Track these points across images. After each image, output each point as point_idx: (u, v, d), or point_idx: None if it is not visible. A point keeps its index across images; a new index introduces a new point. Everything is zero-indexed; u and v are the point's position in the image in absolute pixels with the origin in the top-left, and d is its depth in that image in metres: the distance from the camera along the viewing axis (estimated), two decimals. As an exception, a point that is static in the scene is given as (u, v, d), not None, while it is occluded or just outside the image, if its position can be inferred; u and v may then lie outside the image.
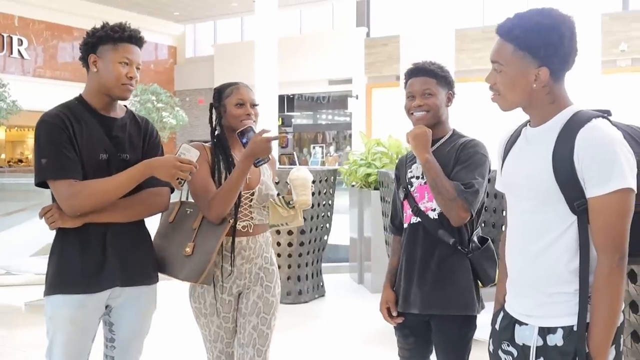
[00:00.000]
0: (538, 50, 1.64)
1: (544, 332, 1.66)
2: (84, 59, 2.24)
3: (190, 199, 2.45)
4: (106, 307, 2.27)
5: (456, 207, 2.20)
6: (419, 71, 2.38)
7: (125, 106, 2.36)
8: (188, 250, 2.32)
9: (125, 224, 2.23)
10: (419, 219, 2.34)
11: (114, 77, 2.18)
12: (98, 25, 2.23)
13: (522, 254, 1.73)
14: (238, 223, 2.41)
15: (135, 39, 2.23)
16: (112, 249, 2.20)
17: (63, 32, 24.24)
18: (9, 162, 32.78)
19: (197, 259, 2.30)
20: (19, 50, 23.18)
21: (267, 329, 2.46)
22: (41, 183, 2.15)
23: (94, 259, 2.18)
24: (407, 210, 2.40)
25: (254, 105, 2.50)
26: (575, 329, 1.61)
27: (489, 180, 2.36)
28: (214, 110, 2.55)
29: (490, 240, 2.40)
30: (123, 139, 2.26)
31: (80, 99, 2.25)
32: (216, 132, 2.54)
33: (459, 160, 2.29)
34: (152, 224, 2.43)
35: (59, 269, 2.18)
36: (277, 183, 5.15)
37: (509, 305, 1.80)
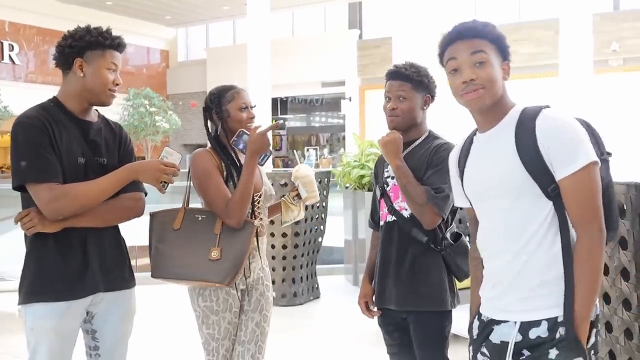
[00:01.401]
0: (503, 43, 1.73)
1: (525, 327, 1.66)
2: (67, 62, 2.17)
3: (192, 205, 2.45)
4: (87, 314, 2.23)
5: (427, 211, 2.28)
6: (395, 75, 2.42)
7: (97, 110, 2.32)
8: (215, 254, 2.30)
9: (102, 229, 2.21)
10: (394, 218, 2.42)
11: (101, 83, 2.17)
12: (80, 28, 2.18)
13: (502, 255, 1.72)
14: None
15: (121, 46, 2.23)
16: (93, 253, 2.18)
17: (54, 37, 24.07)
18: (1, 168, 32.63)
19: (227, 262, 2.30)
20: (10, 56, 23.10)
21: (267, 326, 2.55)
22: (19, 186, 2.08)
23: (75, 265, 2.14)
24: (384, 209, 2.47)
25: (252, 107, 2.54)
26: (559, 320, 1.62)
27: None
28: (214, 115, 2.51)
29: (463, 236, 2.45)
30: (100, 143, 2.24)
31: (55, 101, 2.20)
32: (220, 136, 2.51)
33: (431, 164, 2.34)
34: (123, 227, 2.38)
35: (38, 276, 2.11)
36: (284, 185, 5.16)
37: (485, 308, 1.80)
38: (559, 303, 1.64)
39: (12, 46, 23.14)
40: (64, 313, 2.12)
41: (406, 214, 2.38)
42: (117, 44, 2.21)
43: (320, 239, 5.95)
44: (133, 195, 2.25)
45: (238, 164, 2.47)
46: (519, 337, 1.67)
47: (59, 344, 2.13)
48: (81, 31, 2.18)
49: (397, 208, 2.41)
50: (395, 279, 2.39)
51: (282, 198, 2.69)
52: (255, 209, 2.49)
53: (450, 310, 2.40)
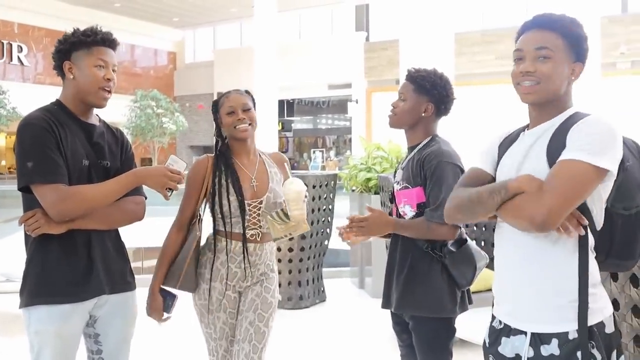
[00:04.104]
0: (580, 44, 1.67)
1: (536, 340, 1.62)
2: (59, 67, 2.19)
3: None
4: (90, 317, 2.22)
5: (434, 231, 2.29)
6: (406, 75, 2.48)
7: (98, 115, 2.32)
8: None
9: (105, 231, 2.22)
10: None
11: (90, 82, 2.14)
12: (67, 32, 2.20)
13: (517, 258, 1.68)
14: (247, 231, 2.48)
15: (108, 41, 2.20)
16: (97, 255, 2.18)
17: (63, 39, 24.30)
18: (9, 168, 32.79)
19: (175, 266, 2.50)
20: (18, 57, 23.25)
21: (264, 326, 2.48)
22: (24, 187, 2.07)
23: (80, 266, 2.14)
24: (395, 214, 2.50)
25: (246, 109, 2.49)
26: (570, 337, 1.58)
27: None
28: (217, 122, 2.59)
29: (468, 242, 2.40)
30: (103, 146, 2.24)
31: (59, 104, 2.20)
32: (219, 143, 2.58)
33: (427, 176, 2.34)
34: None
35: (42, 278, 2.10)
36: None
37: (498, 311, 1.76)
38: (570, 318, 1.59)
39: (21, 47, 23.28)
40: (68, 316, 2.11)
41: (407, 218, 2.40)
42: (102, 39, 2.17)
43: (326, 242, 5.94)
44: (135, 199, 2.26)
45: (234, 170, 2.49)
46: (531, 352, 1.62)
47: (63, 347, 2.12)
48: (67, 34, 2.18)
49: (401, 213, 2.43)
50: (396, 281, 2.41)
51: (268, 215, 2.47)
52: (250, 216, 2.48)
53: (451, 318, 2.38)
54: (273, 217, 2.41)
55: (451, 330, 2.40)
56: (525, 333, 1.65)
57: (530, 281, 1.64)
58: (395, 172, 2.55)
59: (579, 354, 1.56)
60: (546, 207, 1.49)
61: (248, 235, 2.49)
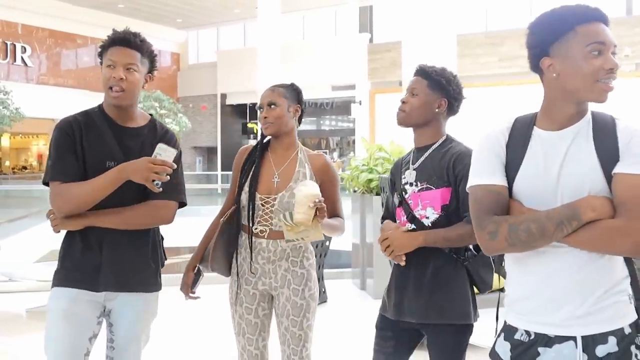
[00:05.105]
0: None
1: (589, 344, 1.56)
2: None
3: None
4: (104, 308, 2.33)
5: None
6: (417, 71, 2.37)
7: (151, 115, 2.40)
8: None
9: (125, 232, 2.24)
10: (414, 226, 2.28)
11: (103, 83, 2.24)
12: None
13: (560, 265, 1.59)
14: (255, 227, 2.50)
15: (119, 40, 2.23)
16: (107, 254, 2.25)
17: (66, 40, 24.35)
18: (13, 169, 32.87)
19: (207, 249, 2.60)
20: (22, 58, 23.28)
21: (298, 330, 2.51)
22: (46, 183, 2.25)
23: (91, 261, 2.24)
24: (402, 217, 2.33)
25: (271, 105, 2.54)
26: (626, 332, 1.55)
27: None
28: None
29: None
30: (133, 148, 2.25)
31: (99, 107, 2.32)
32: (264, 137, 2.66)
33: (459, 175, 2.20)
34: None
35: (61, 265, 2.28)
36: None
37: (527, 322, 1.64)
38: (625, 313, 1.56)
39: (25, 48, 23.32)
40: (74, 298, 2.22)
41: (427, 222, 2.24)
42: (112, 40, 2.24)
43: (327, 243, 5.93)
44: (162, 204, 2.24)
45: (257, 167, 2.54)
46: (585, 358, 1.55)
47: (69, 329, 2.21)
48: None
49: (418, 216, 2.26)
50: (416, 290, 2.26)
51: (283, 212, 2.41)
52: (262, 211, 2.49)
53: (472, 324, 2.29)
54: (282, 217, 2.35)
55: (469, 336, 2.31)
56: (574, 338, 1.57)
57: (585, 287, 1.57)
58: (401, 173, 2.38)
59: (632, 347, 1.55)
60: (637, 237, 1.47)
61: (257, 231, 2.49)
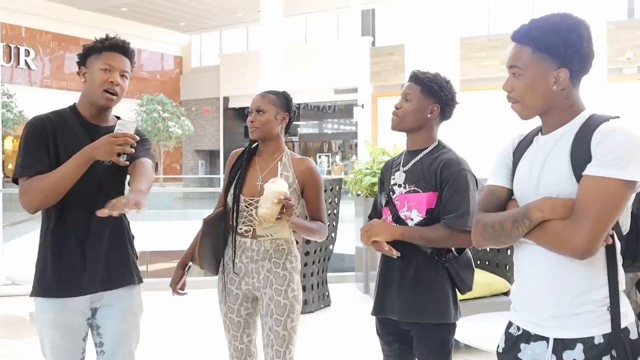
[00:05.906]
0: (558, 51, 1.60)
1: (558, 346, 1.60)
2: (79, 73, 2.32)
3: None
4: (91, 310, 2.31)
5: (456, 238, 2.23)
6: (410, 76, 2.41)
7: (118, 117, 2.37)
8: None
9: (105, 230, 2.26)
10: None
11: (94, 85, 2.23)
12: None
13: (541, 266, 1.63)
14: (239, 227, 2.55)
15: (117, 47, 2.26)
16: (90, 255, 2.24)
17: (70, 43, 24.39)
18: (15, 172, 32.86)
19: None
20: (25, 61, 23.35)
21: (282, 330, 2.51)
22: (15, 180, 2.20)
23: (73, 264, 2.22)
24: (387, 217, 2.38)
25: (259, 110, 2.59)
26: (596, 342, 1.56)
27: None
28: None
29: (467, 248, 2.37)
30: None
31: (72, 107, 2.32)
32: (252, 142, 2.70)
33: (445, 181, 2.27)
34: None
35: (41, 272, 2.24)
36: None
37: (517, 318, 1.73)
38: (599, 323, 1.57)
39: (28, 51, 23.39)
40: (60, 308, 2.22)
41: (411, 223, 2.32)
42: (110, 45, 2.25)
43: (331, 247, 5.94)
44: (144, 161, 2.26)
45: (243, 170, 2.59)
46: (553, 359, 1.60)
47: (60, 336, 2.23)
48: (89, 42, 2.31)
49: (403, 217, 2.34)
50: (398, 289, 2.35)
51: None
52: (246, 212, 2.53)
53: (454, 323, 2.36)
54: (253, 212, 2.49)
55: (454, 336, 2.37)
56: (547, 339, 1.63)
57: (555, 287, 1.61)
58: (391, 174, 2.44)
59: (605, 359, 1.55)
60: (586, 236, 1.48)
61: (242, 231, 2.55)
